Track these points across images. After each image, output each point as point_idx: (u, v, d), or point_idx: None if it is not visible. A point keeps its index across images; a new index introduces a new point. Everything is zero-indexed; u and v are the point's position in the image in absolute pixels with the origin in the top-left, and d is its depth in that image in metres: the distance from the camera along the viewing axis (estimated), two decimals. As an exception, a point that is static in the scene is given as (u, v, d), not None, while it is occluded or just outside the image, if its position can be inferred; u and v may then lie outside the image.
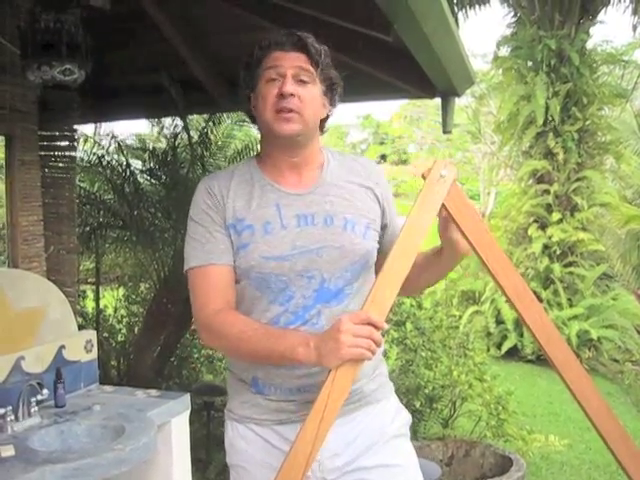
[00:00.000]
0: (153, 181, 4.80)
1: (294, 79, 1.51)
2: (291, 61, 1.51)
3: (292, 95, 1.50)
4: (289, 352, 1.36)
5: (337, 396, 1.30)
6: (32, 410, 2.39)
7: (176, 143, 4.64)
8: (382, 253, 1.62)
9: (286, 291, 1.54)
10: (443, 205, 1.41)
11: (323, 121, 1.62)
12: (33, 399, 2.40)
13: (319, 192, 1.59)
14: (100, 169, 4.68)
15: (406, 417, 1.74)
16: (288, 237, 1.54)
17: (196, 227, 1.59)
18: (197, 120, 4.99)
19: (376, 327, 1.29)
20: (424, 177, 1.42)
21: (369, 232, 1.61)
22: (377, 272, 1.66)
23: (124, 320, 5.60)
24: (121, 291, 5.91)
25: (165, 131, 4.90)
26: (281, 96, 1.50)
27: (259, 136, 1.68)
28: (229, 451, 1.70)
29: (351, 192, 1.62)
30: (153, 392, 2.82)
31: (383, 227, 1.67)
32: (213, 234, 1.56)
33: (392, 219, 1.69)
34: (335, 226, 1.56)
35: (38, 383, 2.45)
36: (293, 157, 1.59)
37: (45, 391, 2.44)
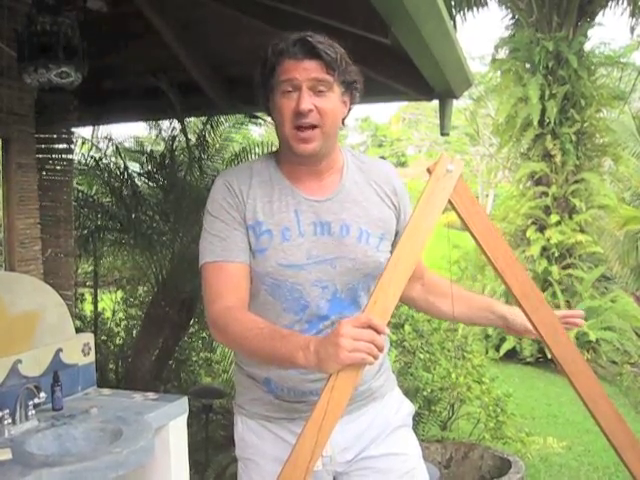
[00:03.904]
0: (151, 184, 4.79)
1: (311, 90, 1.47)
2: (306, 73, 1.46)
3: (310, 110, 1.47)
4: (289, 355, 1.34)
5: (336, 403, 1.26)
6: (29, 413, 2.38)
7: (174, 146, 4.64)
8: None
9: (300, 300, 1.55)
10: (449, 201, 1.37)
11: (343, 117, 1.59)
12: (30, 402, 2.38)
13: (337, 199, 1.59)
14: (98, 172, 4.67)
15: (409, 407, 1.79)
16: (304, 246, 1.54)
17: (214, 222, 1.57)
18: (195, 123, 4.99)
19: (377, 331, 1.25)
20: (430, 171, 1.37)
21: (383, 243, 1.61)
22: None
23: (122, 323, 5.60)
24: (119, 294, 5.91)
25: (163, 134, 4.90)
26: (299, 113, 1.47)
27: (272, 134, 1.66)
28: (239, 444, 1.71)
29: (368, 199, 1.62)
30: (151, 395, 2.81)
31: (395, 234, 1.66)
32: (232, 231, 1.55)
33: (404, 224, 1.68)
34: (350, 237, 1.56)
35: (35, 386, 2.43)
36: (313, 166, 1.58)
37: (42, 394, 2.43)
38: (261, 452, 1.65)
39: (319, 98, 1.48)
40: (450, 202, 1.37)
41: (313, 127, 1.49)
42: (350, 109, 1.60)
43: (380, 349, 1.25)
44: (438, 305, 1.79)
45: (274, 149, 1.68)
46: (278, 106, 1.51)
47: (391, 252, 1.59)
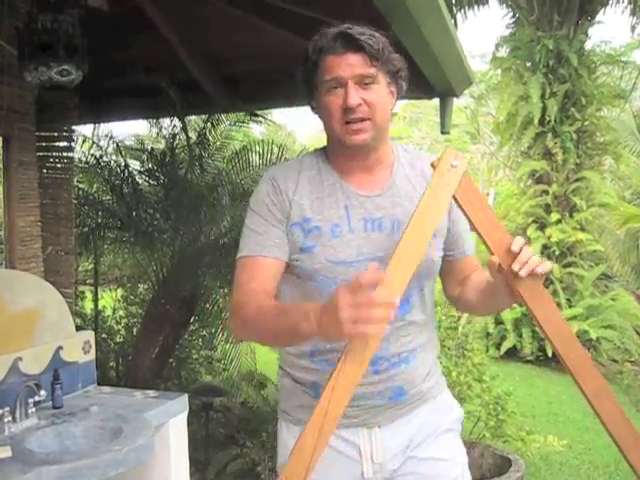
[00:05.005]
0: (151, 182, 4.80)
1: (357, 84, 1.44)
2: (350, 68, 1.43)
3: (359, 105, 1.44)
4: (295, 328, 1.28)
5: (337, 403, 1.23)
6: (29, 411, 2.38)
7: (174, 144, 4.64)
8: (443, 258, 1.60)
9: None
10: (454, 197, 1.33)
11: (391, 108, 1.56)
12: (30, 400, 2.39)
13: (388, 195, 1.55)
14: (98, 170, 4.67)
15: (458, 412, 1.74)
16: (354, 242, 1.50)
17: (253, 217, 1.55)
18: (195, 121, 4.99)
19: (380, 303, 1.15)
20: (434, 166, 1.34)
21: (435, 240, 1.56)
22: (441, 276, 1.67)
23: (123, 321, 5.61)
24: (120, 292, 5.92)
25: (163, 132, 4.90)
26: (347, 108, 1.44)
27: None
28: (282, 452, 1.66)
29: (419, 195, 1.54)
30: (151, 393, 2.81)
31: (447, 231, 1.61)
32: (269, 227, 1.52)
33: (455, 222, 1.62)
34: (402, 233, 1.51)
35: (35, 384, 2.44)
36: (364, 160, 1.55)
37: (42, 392, 2.44)
38: None
39: (366, 91, 1.45)
40: (454, 198, 1.34)
41: (363, 120, 1.45)
42: (398, 98, 1.56)
43: (387, 306, 1.17)
44: (465, 296, 1.66)
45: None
46: (325, 103, 1.48)
47: (443, 249, 1.59)
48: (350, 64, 1.43)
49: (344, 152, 1.53)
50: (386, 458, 1.58)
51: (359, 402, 1.54)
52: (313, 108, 1.56)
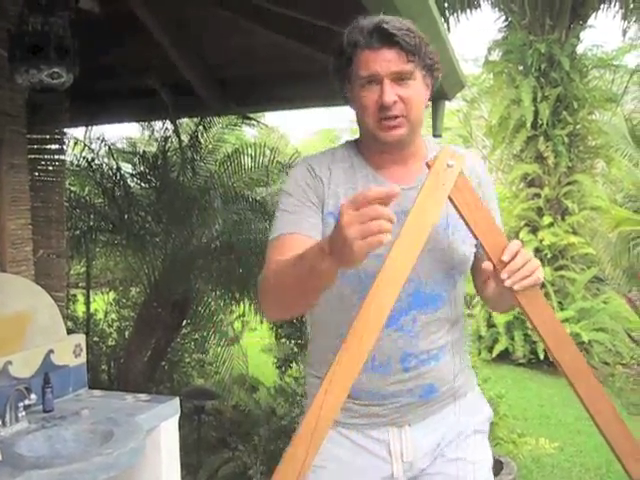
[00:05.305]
0: (143, 185, 4.79)
1: (393, 81, 1.41)
2: (386, 65, 1.40)
3: (395, 102, 1.41)
4: (313, 265, 1.21)
5: (330, 407, 1.20)
6: (19, 415, 2.37)
7: (166, 147, 4.63)
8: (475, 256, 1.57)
9: None
10: (449, 198, 1.30)
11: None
12: (20, 404, 2.37)
13: None
14: (90, 173, 4.67)
15: (487, 413, 1.72)
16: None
17: (287, 199, 1.51)
18: (187, 124, 4.99)
19: (380, 202, 1.08)
20: (429, 166, 1.31)
21: (469, 234, 1.51)
22: (472, 274, 1.63)
23: (115, 324, 5.60)
24: (112, 295, 5.91)
25: (155, 135, 4.90)
26: (383, 106, 1.41)
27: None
28: None
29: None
30: (142, 396, 2.80)
31: None
32: (302, 207, 1.48)
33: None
34: (436, 227, 1.44)
35: (26, 388, 2.42)
36: (399, 154, 1.53)
37: (33, 396, 2.42)
38: (336, 459, 1.57)
39: (401, 87, 1.42)
40: (450, 198, 1.31)
41: (398, 117, 1.43)
42: (432, 90, 1.52)
43: (390, 220, 1.08)
44: (486, 294, 1.60)
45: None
46: (359, 98, 1.45)
47: (476, 246, 1.53)
48: (386, 60, 1.40)
49: (378, 147, 1.51)
50: (417, 457, 1.56)
51: (390, 400, 1.53)
52: (345, 99, 1.53)
